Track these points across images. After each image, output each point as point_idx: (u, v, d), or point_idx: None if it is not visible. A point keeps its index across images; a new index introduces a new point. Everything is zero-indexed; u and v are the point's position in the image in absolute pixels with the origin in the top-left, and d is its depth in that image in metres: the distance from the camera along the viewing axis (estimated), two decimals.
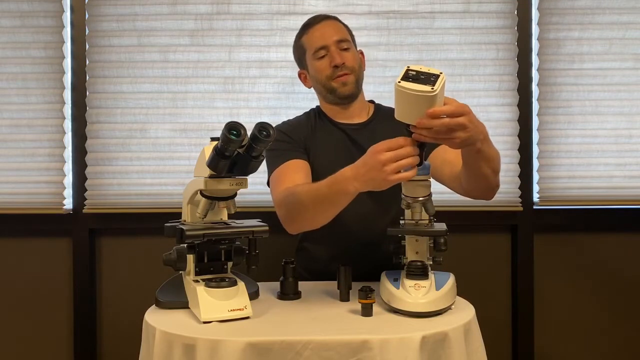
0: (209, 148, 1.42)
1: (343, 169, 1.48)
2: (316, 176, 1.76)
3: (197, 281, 1.48)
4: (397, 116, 1.35)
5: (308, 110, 2.02)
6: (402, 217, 1.61)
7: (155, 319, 1.44)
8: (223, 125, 1.35)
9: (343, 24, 1.92)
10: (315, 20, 1.89)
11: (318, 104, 2.00)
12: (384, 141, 1.38)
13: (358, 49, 1.95)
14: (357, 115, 1.92)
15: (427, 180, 1.51)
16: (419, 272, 1.51)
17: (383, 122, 1.91)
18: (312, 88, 1.96)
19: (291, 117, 2.02)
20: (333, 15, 1.94)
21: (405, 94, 1.29)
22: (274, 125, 1.42)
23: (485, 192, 1.65)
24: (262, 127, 1.38)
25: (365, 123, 1.92)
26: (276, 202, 1.72)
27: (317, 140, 1.88)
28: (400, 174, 1.36)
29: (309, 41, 1.87)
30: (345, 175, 1.46)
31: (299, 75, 1.98)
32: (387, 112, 1.93)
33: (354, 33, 1.95)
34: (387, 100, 2.36)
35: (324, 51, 1.83)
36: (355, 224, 1.79)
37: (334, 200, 1.52)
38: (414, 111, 1.31)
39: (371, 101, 2.02)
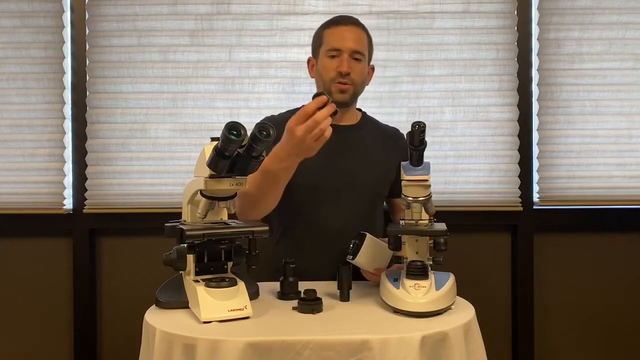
0: (209, 148, 1.42)
1: (275, 150, 1.64)
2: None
3: (197, 281, 1.48)
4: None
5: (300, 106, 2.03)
6: (402, 217, 1.61)
7: (155, 319, 1.44)
8: (223, 125, 1.35)
9: (368, 36, 1.92)
10: (344, 21, 1.90)
11: None
12: (294, 117, 1.56)
13: (370, 64, 1.95)
14: (346, 120, 1.96)
15: (427, 180, 1.50)
16: (419, 272, 1.51)
17: (370, 128, 2.01)
18: (314, 79, 1.97)
19: None
20: (362, 24, 1.92)
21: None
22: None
23: None
24: (262, 127, 1.38)
25: (354, 126, 1.97)
26: None
27: None
28: (320, 139, 1.55)
29: (329, 37, 1.89)
30: (280, 156, 1.63)
31: (308, 61, 1.99)
32: (372, 121, 2.06)
33: None
34: (387, 99, 2.37)
35: (337, 53, 1.86)
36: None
37: (278, 177, 1.69)
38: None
39: (359, 109, 2.04)
